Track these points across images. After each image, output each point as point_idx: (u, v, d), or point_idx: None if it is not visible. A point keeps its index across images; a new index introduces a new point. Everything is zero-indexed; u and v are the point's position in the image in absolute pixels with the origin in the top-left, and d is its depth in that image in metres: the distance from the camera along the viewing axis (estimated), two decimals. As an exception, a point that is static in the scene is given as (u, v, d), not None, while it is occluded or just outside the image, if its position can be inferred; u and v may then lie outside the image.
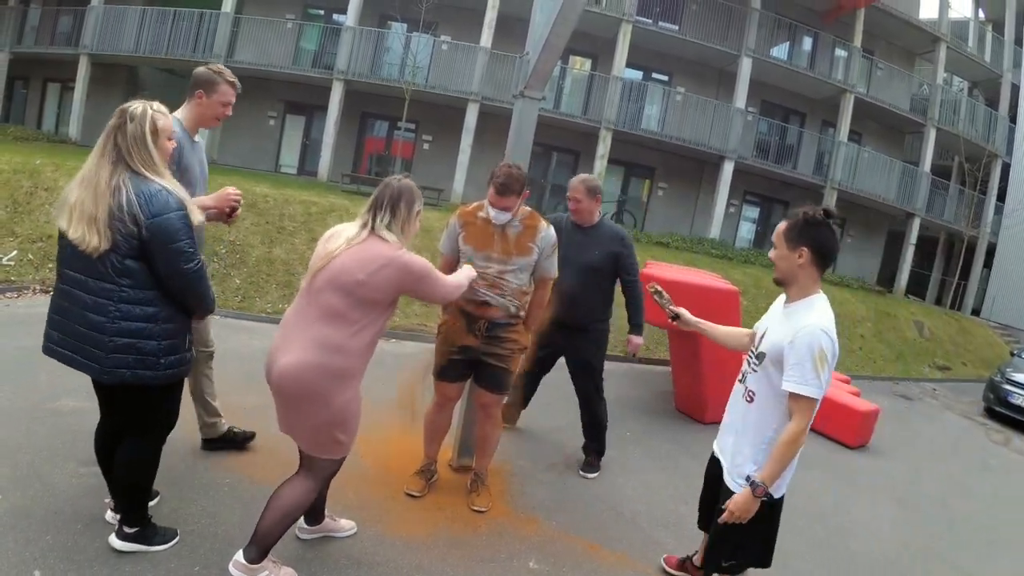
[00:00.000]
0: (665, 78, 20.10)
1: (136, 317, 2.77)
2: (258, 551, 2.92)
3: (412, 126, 18.62)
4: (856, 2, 19.25)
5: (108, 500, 3.30)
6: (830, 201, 19.28)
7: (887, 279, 22.00)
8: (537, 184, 18.45)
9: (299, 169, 19.34)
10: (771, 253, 2.97)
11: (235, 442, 4.34)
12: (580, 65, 19.93)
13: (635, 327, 5.20)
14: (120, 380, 2.78)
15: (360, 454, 4.65)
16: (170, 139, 2.92)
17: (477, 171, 16.50)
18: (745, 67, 18.54)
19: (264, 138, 19.45)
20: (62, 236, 2.74)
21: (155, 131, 2.79)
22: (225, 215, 3.56)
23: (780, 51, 20.44)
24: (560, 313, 4.56)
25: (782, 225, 2.91)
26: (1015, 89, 23.09)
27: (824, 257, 2.83)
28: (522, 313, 4.03)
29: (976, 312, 22.71)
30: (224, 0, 17.57)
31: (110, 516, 3.27)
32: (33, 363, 4.53)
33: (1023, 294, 21.86)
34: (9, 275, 7.57)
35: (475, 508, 4.16)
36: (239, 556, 2.91)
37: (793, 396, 2.75)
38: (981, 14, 24.42)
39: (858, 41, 19.59)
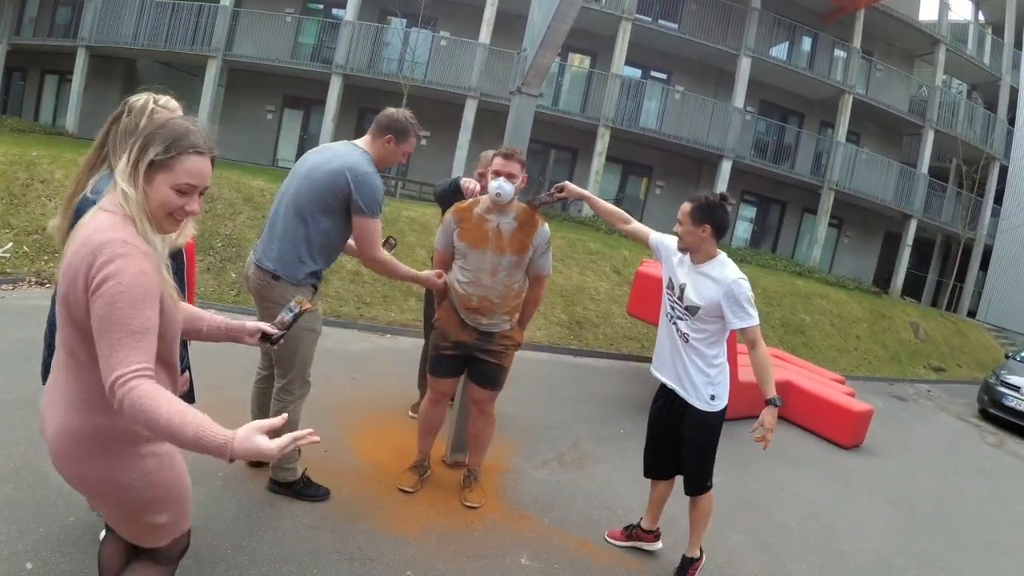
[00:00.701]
0: (664, 76, 20.12)
1: None
2: None
3: (410, 121, 18.49)
4: (856, 3, 19.25)
5: None
6: (827, 202, 19.39)
7: (883, 280, 22.05)
8: (535, 181, 18.44)
9: (296, 162, 19.20)
10: (677, 228, 3.56)
11: None
12: (579, 62, 19.93)
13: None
14: None
15: (353, 449, 4.67)
16: None
17: (475, 167, 16.41)
18: (744, 66, 18.55)
19: (262, 132, 19.41)
20: None
21: None
22: None
23: (779, 51, 20.44)
24: None
25: (687, 205, 3.52)
26: (1014, 92, 23.09)
27: (721, 232, 3.51)
28: (515, 317, 4.05)
29: (972, 314, 22.75)
30: (223, -7, 17.53)
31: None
32: (28, 355, 4.52)
33: (1019, 296, 21.89)
34: (4, 267, 7.55)
35: (468, 504, 4.16)
36: None
37: (746, 330, 3.42)
38: (981, 16, 24.41)
39: (857, 42, 19.60)
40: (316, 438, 1.70)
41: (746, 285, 3.43)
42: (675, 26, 18.99)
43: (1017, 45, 23.17)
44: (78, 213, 2.38)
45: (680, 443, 3.73)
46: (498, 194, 3.74)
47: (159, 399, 1.57)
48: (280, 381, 3.71)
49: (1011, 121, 22.92)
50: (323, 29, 18.43)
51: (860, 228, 22.29)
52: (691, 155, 19.29)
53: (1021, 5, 23.14)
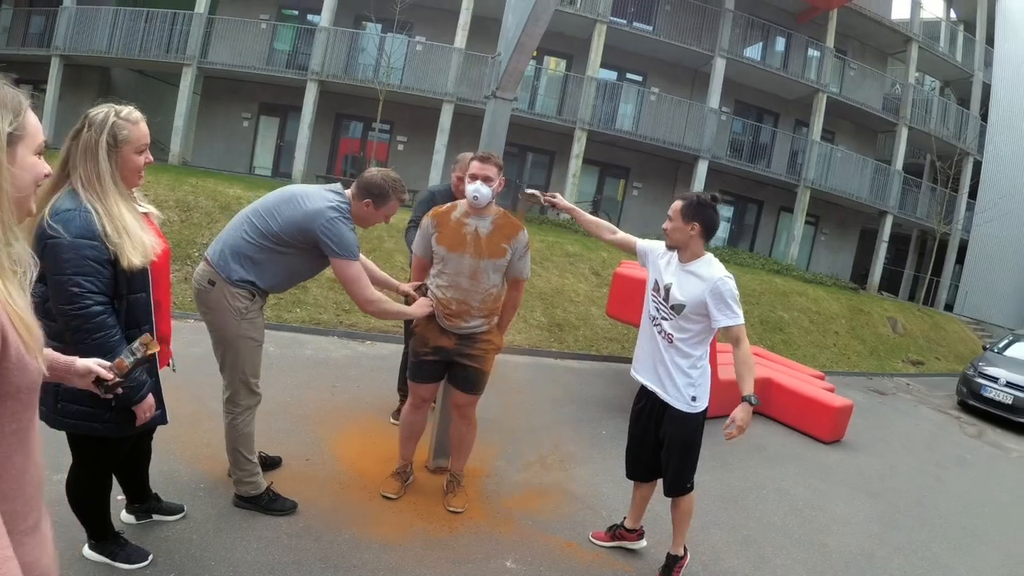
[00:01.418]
0: (639, 78, 20.18)
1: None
2: None
3: (387, 127, 18.52)
4: (829, 3, 19.44)
5: (121, 497, 3.35)
6: (803, 200, 19.55)
7: (860, 276, 22.27)
8: (512, 184, 18.45)
9: (273, 171, 19.17)
10: (666, 225, 3.62)
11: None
12: (555, 65, 19.95)
13: None
14: (51, 423, 2.63)
15: (335, 457, 4.65)
16: (141, 152, 2.62)
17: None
18: (719, 67, 18.66)
19: (238, 140, 19.26)
20: None
21: (115, 143, 2.50)
22: None
23: (754, 51, 20.58)
24: None
25: (678, 203, 3.59)
26: (986, 88, 23.44)
27: (709, 231, 3.59)
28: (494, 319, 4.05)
29: (949, 308, 23.04)
30: (198, 0, 17.39)
31: (124, 516, 3.37)
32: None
33: (995, 290, 22.21)
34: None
35: (451, 509, 4.15)
36: None
37: (731, 328, 3.46)
38: (952, 14, 24.73)
39: (831, 41, 19.79)
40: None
41: (732, 284, 3.48)
42: (650, 28, 19.06)
43: (989, 42, 23.51)
44: (40, 236, 2.36)
45: (661, 444, 3.75)
46: (475, 197, 3.74)
47: None
48: (226, 391, 3.63)
49: (984, 117, 23.24)
50: (298, 35, 18.31)
51: (836, 225, 22.51)
52: (668, 156, 19.36)
53: (992, 2, 23.48)
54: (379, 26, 17.86)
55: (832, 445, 7.40)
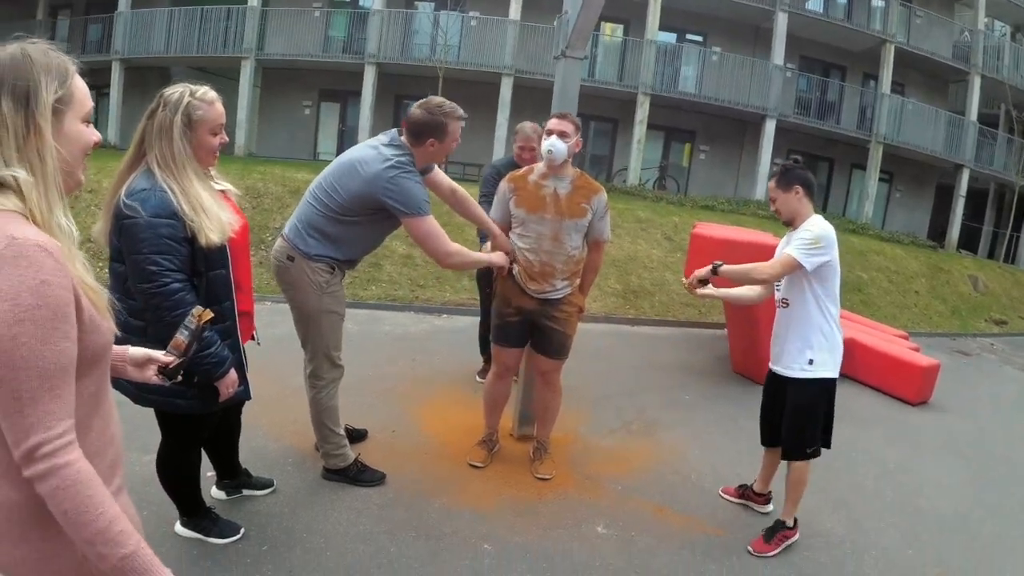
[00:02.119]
0: (700, 39, 19.63)
1: (132, 329, 2.46)
2: None
3: (447, 104, 18.45)
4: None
5: (211, 473, 3.43)
6: (876, 156, 18.84)
7: (938, 233, 21.32)
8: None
9: (337, 155, 19.28)
10: (773, 206, 3.71)
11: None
12: (611, 31, 19.59)
13: None
14: (135, 399, 2.66)
15: (420, 428, 4.67)
16: (215, 133, 2.62)
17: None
18: (781, 22, 17.99)
19: (300, 127, 19.51)
20: None
21: (189, 123, 2.50)
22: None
23: (816, 3, 19.82)
24: None
25: (771, 182, 3.69)
26: (1062, 29, 22.18)
27: (811, 188, 3.64)
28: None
29: (1031, 264, 21.95)
30: (249, -6, 17.63)
31: (215, 491, 3.45)
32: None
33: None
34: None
35: (539, 476, 4.14)
36: None
37: (793, 256, 3.46)
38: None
39: (895, -12, 18.94)
40: None
41: (816, 233, 3.47)
42: (707, -14, 18.55)
43: (1062, -21, 22.22)
44: (116, 215, 2.40)
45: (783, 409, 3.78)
46: (550, 151, 3.69)
47: (101, 492, 1.19)
48: (308, 366, 3.66)
49: (1061, 60, 21.97)
50: (352, 20, 18.40)
51: (911, 181, 21.61)
52: (734, 117, 18.84)
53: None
54: (432, 4, 17.82)
55: (919, 407, 7.12)
